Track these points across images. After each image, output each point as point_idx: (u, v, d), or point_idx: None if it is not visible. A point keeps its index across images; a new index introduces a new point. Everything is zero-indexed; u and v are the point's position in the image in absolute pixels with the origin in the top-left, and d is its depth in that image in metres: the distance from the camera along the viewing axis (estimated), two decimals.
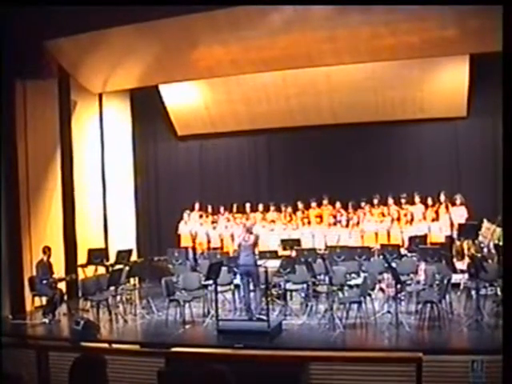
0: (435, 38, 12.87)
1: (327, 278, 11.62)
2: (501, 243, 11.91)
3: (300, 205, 16.69)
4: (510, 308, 5.15)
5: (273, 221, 16.28)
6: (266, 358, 7.35)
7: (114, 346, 10.36)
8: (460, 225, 14.01)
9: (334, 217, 15.87)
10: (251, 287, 11.59)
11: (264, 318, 10.48)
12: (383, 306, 11.80)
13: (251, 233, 11.64)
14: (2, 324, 11.65)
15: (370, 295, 11.35)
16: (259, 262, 12.07)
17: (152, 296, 13.23)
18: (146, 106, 18.42)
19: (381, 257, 13.13)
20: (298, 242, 14.43)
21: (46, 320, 12.00)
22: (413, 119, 16.55)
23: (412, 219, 15.13)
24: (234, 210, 17.15)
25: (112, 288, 12.51)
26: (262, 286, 11.24)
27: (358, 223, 15.47)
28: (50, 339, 10.94)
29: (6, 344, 8.93)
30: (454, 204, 15.17)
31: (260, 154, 18.63)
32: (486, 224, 13.09)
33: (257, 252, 12.42)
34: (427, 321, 10.77)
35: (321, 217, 16.16)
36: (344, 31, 13.07)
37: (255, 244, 11.62)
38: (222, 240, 16.50)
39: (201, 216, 17.18)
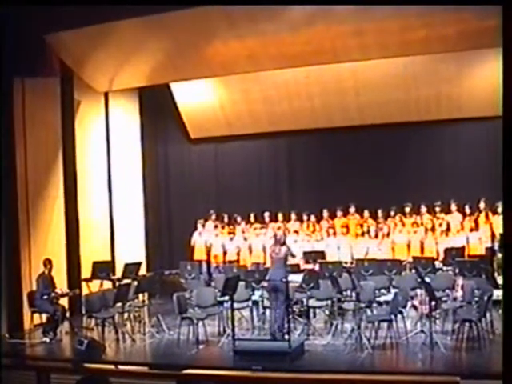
0: (473, 29, 12.73)
1: (354, 294, 11.58)
2: None
3: (324, 214, 16.65)
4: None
5: (295, 231, 16.19)
6: (287, 382, 7.28)
7: (121, 367, 10.32)
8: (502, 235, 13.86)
9: (362, 227, 15.78)
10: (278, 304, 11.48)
11: (286, 337, 10.43)
12: (416, 325, 11.71)
13: (282, 244, 11.52)
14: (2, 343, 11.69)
15: (401, 313, 11.23)
16: None
17: (162, 313, 13.24)
18: (157, 107, 18.52)
19: (413, 271, 13.02)
20: (322, 254, 14.38)
21: (47, 339, 11.98)
22: (449, 119, 16.48)
23: (448, 229, 15.01)
24: (252, 219, 17.11)
25: (119, 304, 12.48)
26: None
27: (388, 234, 15.38)
28: (50, 360, 10.94)
29: (3, 365, 8.94)
30: (495, 212, 15.00)
31: (280, 158, 18.65)
32: None
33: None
34: (465, 341, 10.65)
35: (347, 227, 16.10)
36: (372, 24, 13.01)
37: (287, 257, 11.50)
38: (238, 252, 16.45)
39: (216, 226, 17.16)
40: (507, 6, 5.86)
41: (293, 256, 11.74)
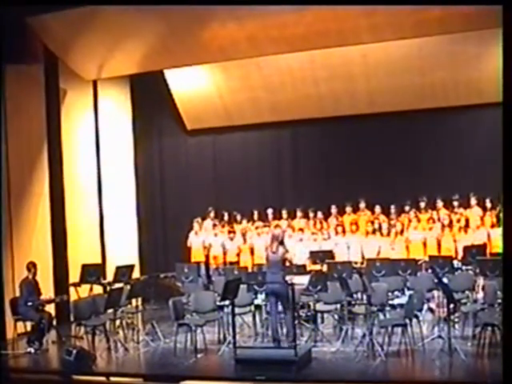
0: (493, 6, 12.65)
1: (365, 297, 11.55)
2: None
3: (332, 210, 16.62)
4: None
5: (300, 229, 16.17)
6: None
7: (113, 379, 10.38)
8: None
9: (373, 224, 15.75)
10: (279, 309, 11.44)
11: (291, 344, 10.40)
12: (433, 330, 11.73)
13: (280, 243, 11.45)
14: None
15: (416, 317, 11.19)
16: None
17: (158, 320, 13.26)
18: (150, 96, 18.43)
19: (429, 271, 12.99)
20: (330, 254, 14.36)
21: (32, 349, 11.97)
22: (468, 105, 16.36)
23: (467, 225, 14.98)
24: (255, 217, 17.07)
25: (110, 311, 12.44)
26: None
27: (401, 231, 15.32)
28: (36, 372, 10.94)
29: None
30: None
31: (284, 150, 18.60)
32: None
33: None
34: (487, 347, 10.59)
35: (357, 224, 16.04)
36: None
37: (285, 259, 11.44)
38: (239, 253, 16.43)
39: (215, 225, 17.11)
40: (507, 6, 6.37)
41: (290, 262, 11.66)
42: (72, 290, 14.34)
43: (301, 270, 13.20)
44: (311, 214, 16.63)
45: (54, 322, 13.14)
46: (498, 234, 14.60)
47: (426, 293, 12.19)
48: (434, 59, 15.79)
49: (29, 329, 12.56)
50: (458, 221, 15.09)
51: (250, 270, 14.70)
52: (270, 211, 17.04)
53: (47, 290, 13.44)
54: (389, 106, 16.72)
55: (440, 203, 15.80)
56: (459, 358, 10.07)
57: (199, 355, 11.33)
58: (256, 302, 12.70)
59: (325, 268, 13.64)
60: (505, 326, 5.53)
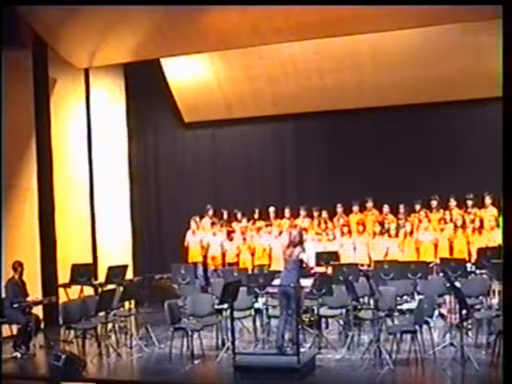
0: None
1: (372, 302, 11.51)
2: None
3: (338, 209, 16.65)
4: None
5: (304, 229, 16.05)
6: None
7: None
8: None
9: (381, 224, 15.76)
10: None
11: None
12: (444, 337, 11.64)
13: (296, 245, 11.33)
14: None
15: (427, 323, 11.13)
16: None
17: (152, 324, 13.23)
18: (145, 86, 18.44)
19: (441, 274, 12.93)
20: (335, 255, 14.34)
21: (18, 354, 11.95)
22: (482, 98, 16.30)
23: (481, 226, 14.95)
24: (256, 216, 17.05)
25: (102, 313, 12.36)
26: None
27: (411, 232, 15.37)
28: (23, 378, 10.93)
29: None
30: None
31: (287, 145, 18.64)
32: None
33: None
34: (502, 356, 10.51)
35: (364, 224, 16.04)
36: None
37: (301, 259, 11.33)
38: (239, 253, 16.46)
39: (213, 223, 17.12)
40: (507, 6, 6.49)
41: (306, 264, 11.60)
42: (61, 291, 14.26)
43: (304, 272, 13.15)
44: (315, 213, 16.71)
45: (42, 325, 13.10)
46: None
47: (437, 298, 12.10)
48: (445, 50, 15.75)
49: (15, 332, 12.49)
50: (472, 221, 15.10)
51: (250, 272, 14.71)
52: (271, 209, 17.07)
53: (35, 291, 13.41)
54: (398, 99, 16.75)
55: (453, 202, 15.80)
56: (472, 368, 9.99)
57: (196, 361, 11.28)
58: (256, 305, 12.65)
59: (330, 270, 13.61)
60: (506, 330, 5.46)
